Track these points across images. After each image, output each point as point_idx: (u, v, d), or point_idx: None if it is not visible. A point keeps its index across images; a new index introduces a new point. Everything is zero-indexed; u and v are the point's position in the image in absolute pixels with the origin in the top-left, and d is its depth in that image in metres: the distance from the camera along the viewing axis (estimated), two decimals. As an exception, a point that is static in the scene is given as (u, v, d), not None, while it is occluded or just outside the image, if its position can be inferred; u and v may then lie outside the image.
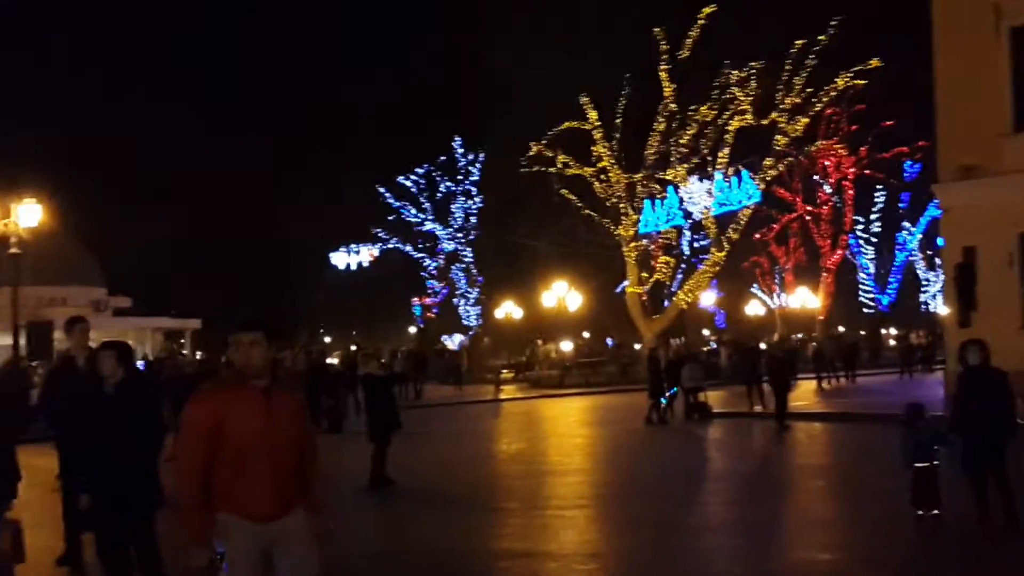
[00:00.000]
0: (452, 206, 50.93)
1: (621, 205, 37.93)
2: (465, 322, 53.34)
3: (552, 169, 37.71)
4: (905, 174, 50.62)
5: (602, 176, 37.97)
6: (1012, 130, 23.39)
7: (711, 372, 29.57)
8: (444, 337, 59.94)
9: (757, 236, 49.73)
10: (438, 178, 50.61)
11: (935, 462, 8.82)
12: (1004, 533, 8.74)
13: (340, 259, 55.47)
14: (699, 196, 35.01)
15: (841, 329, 55.76)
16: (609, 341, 58.31)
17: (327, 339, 75.54)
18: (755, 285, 57.17)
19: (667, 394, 23.17)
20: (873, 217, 53.35)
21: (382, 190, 50.80)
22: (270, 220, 69.15)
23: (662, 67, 35.56)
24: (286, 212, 68.20)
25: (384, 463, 13.97)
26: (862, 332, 57.49)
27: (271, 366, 4.97)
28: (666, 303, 40.67)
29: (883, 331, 58.61)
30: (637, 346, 51.02)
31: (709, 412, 23.46)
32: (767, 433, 20.03)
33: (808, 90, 34.91)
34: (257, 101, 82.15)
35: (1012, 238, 23.22)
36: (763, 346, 30.73)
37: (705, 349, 44.18)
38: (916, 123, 42.29)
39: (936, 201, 45.36)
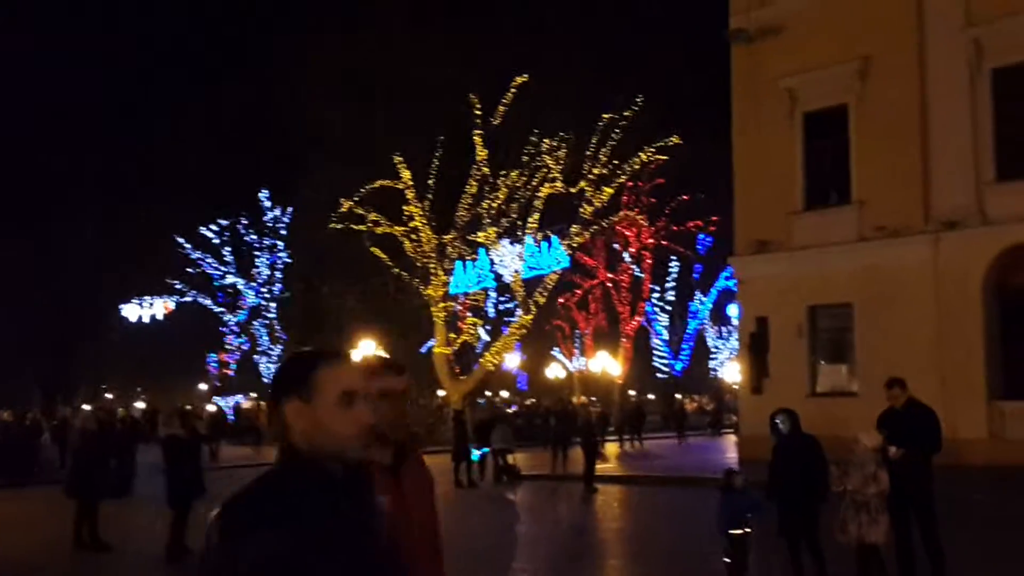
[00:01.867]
0: (257, 260, 49.49)
1: (431, 265, 37.93)
2: (266, 379, 51.62)
3: (362, 227, 37.33)
4: (699, 246, 53.26)
5: (413, 235, 37.90)
6: (802, 208, 25.05)
7: (520, 434, 29.74)
8: (238, 397, 57.85)
9: (561, 301, 50.89)
10: (242, 230, 49.14)
11: (748, 529, 9.03)
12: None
13: (132, 311, 52.70)
14: (509, 259, 35.50)
15: (632, 393, 57.61)
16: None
17: (108, 395, 71.37)
18: (556, 348, 58.37)
19: (478, 454, 23.05)
20: (668, 286, 55.71)
21: (181, 240, 48.82)
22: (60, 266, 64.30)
23: (476, 132, 36.08)
24: (77, 261, 63.90)
25: (184, 531, 13.09)
26: (650, 396, 59.63)
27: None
28: (475, 365, 40.76)
29: (677, 396, 61.07)
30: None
31: (518, 474, 23.50)
32: (576, 496, 20.20)
33: (614, 162, 36.23)
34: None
35: (801, 310, 24.73)
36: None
37: (510, 411, 44.52)
38: (710, 198, 44.90)
39: (727, 272, 47.89)
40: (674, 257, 53.77)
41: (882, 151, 23.47)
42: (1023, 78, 21.50)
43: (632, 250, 52.19)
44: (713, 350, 60.91)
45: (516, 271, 35.80)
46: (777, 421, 9.36)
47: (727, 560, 9.08)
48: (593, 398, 53.19)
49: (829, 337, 24.70)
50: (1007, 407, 21.24)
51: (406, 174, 37.03)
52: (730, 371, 57.50)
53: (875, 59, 23.69)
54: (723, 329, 59.52)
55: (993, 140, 21.96)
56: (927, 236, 22.56)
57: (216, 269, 49.45)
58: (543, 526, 16.88)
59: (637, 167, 37.75)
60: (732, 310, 55.27)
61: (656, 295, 55.24)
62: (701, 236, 52.11)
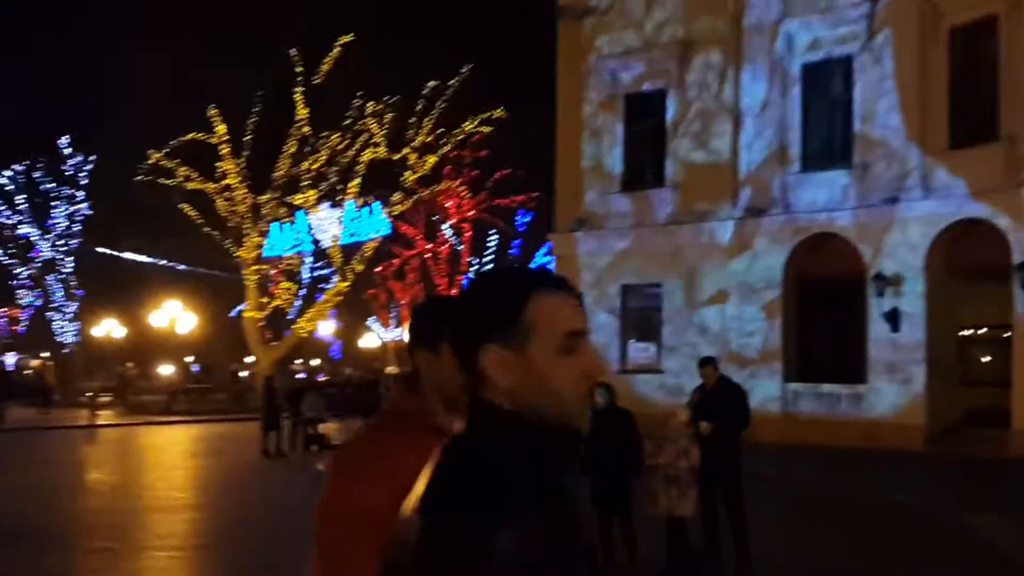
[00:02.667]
0: (53, 210, 46.31)
1: (245, 226, 36.59)
2: (59, 338, 48.64)
3: (171, 181, 35.58)
4: (518, 221, 53.75)
5: (226, 194, 36.43)
6: (620, 188, 25.57)
7: (331, 403, 29.19)
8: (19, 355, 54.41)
9: (378, 269, 50.30)
10: (39, 177, 45.86)
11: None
12: (626, 570, 9.16)
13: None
14: (329, 224, 34.69)
15: None
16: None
17: None
18: (372, 318, 57.76)
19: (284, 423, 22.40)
20: (487, 260, 56.01)
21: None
22: None
23: (297, 89, 34.97)
24: None
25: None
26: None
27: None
28: (287, 332, 39.72)
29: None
30: (244, 373, 49.49)
31: (328, 444, 22.99)
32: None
33: (439, 131, 35.98)
34: None
35: (615, 288, 25.32)
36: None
37: (320, 380, 43.70)
38: (534, 173, 45.37)
39: (545, 249, 48.51)
40: (494, 231, 54.14)
41: (697, 136, 24.20)
42: (829, 73, 22.63)
43: (452, 222, 52.15)
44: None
45: (335, 236, 35.04)
46: (594, 396, 9.40)
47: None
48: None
49: (639, 315, 25.38)
50: (800, 388, 22.43)
51: (221, 128, 35.49)
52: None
53: (694, 46, 24.34)
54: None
55: (800, 132, 23.02)
56: (735, 222, 23.47)
57: (7, 218, 46.00)
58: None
59: (461, 137, 37.65)
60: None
61: (474, 269, 55.47)
62: (521, 211, 52.66)
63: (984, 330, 21.30)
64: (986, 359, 21.19)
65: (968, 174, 19.89)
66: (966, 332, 21.48)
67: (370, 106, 34.86)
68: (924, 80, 20.85)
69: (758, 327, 22.54)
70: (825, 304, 23.17)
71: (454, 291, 53.72)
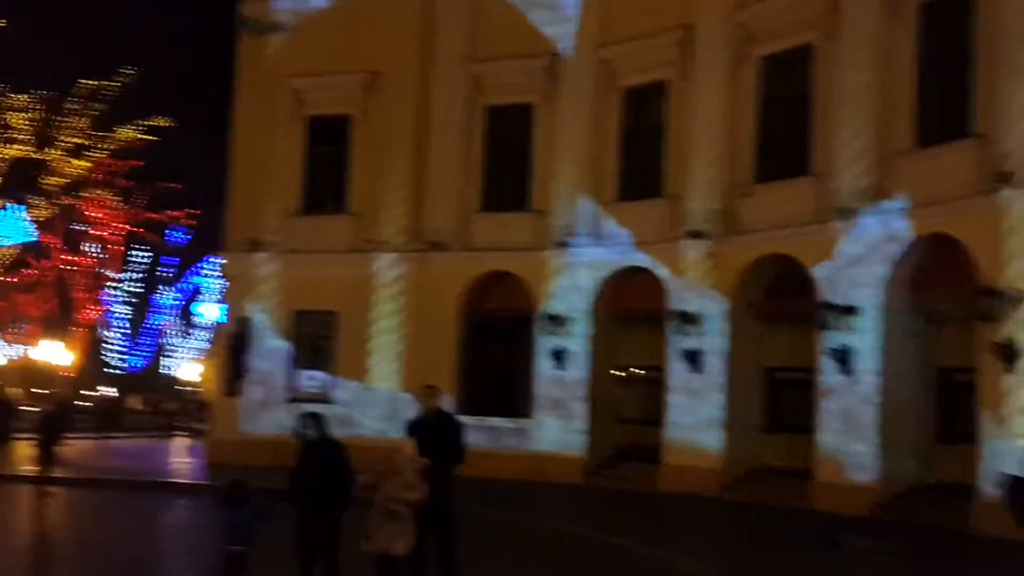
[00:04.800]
0: None
1: None
2: None
3: None
4: (173, 238, 50.86)
5: None
6: (299, 212, 24.79)
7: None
8: None
9: (7, 279, 45.26)
10: None
11: (246, 545, 8.28)
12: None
13: None
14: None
15: (113, 392, 53.03)
16: None
17: None
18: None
19: None
20: (135, 276, 52.44)
21: None
22: None
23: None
24: None
25: None
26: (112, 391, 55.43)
27: None
28: None
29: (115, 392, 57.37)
30: None
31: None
32: (33, 498, 17.49)
33: (95, 134, 33.21)
34: None
35: (288, 313, 24.46)
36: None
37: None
38: (195, 189, 43.06)
39: (201, 268, 46.22)
40: (145, 247, 50.71)
41: (380, 166, 24.07)
42: (512, 119, 23.45)
43: (99, 233, 48.22)
44: (175, 348, 58.44)
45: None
46: (303, 425, 8.78)
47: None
48: (54, 390, 47.99)
49: (312, 343, 24.68)
50: (468, 421, 22.68)
51: None
52: (191, 370, 55.56)
53: (383, 76, 24.24)
54: (189, 327, 57.43)
55: (481, 172, 23.62)
56: (414, 254, 23.55)
57: None
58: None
59: (117, 145, 35.07)
60: (202, 308, 53.56)
61: (120, 285, 51.58)
62: (178, 228, 49.81)
63: (640, 371, 22.83)
64: (639, 398, 22.70)
65: (634, 225, 21.35)
66: (623, 372, 22.90)
67: (17, 98, 31.47)
68: (598, 135, 22.18)
69: (433, 358, 22.63)
70: (496, 340, 23.83)
71: (94, 307, 49.48)
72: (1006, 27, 15.30)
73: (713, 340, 19.88)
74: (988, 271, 15.04)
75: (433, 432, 8.87)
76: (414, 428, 8.96)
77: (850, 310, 17.48)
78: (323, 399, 23.47)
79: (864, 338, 17.41)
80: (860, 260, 17.54)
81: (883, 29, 17.58)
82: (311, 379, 24.45)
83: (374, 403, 23.16)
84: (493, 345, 24.29)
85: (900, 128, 17.26)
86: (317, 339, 24.68)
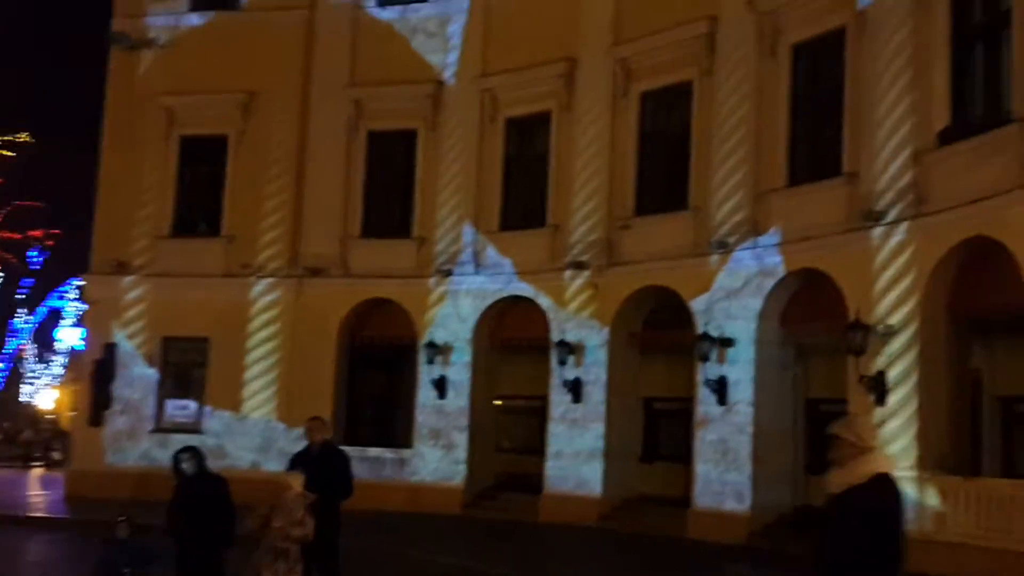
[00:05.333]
0: None
1: None
2: None
3: None
4: (32, 259, 48.58)
5: None
6: (170, 234, 23.92)
7: None
8: None
9: None
10: None
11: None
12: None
13: None
14: None
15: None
16: None
17: None
18: None
19: None
20: (-12, 298, 49.80)
21: None
22: None
23: None
24: None
25: None
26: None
27: None
28: None
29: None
30: None
31: None
32: None
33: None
34: None
35: (155, 339, 23.50)
36: None
37: None
38: (56, 208, 41.22)
39: (61, 291, 44.24)
40: (0, 267, 48.25)
41: (257, 190, 23.43)
42: (394, 144, 23.24)
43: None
44: (31, 374, 55.60)
45: None
46: (181, 460, 8.36)
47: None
48: None
49: (182, 370, 23.78)
50: (348, 452, 22.21)
51: None
52: (48, 398, 52.84)
53: (260, 96, 23.64)
54: (46, 353, 54.77)
55: (362, 197, 23.27)
56: (292, 280, 22.99)
57: None
58: None
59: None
60: (61, 333, 51.11)
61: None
62: (37, 248, 47.59)
63: (522, 400, 22.78)
64: (521, 428, 22.65)
65: (516, 255, 21.35)
66: (503, 401, 22.82)
67: None
68: (482, 163, 22.14)
69: (310, 387, 22.07)
70: (377, 369, 23.43)
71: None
72: (874, 69, 15.96)
73: (593, 370, 20.01)
74: (858, 306, 15.57)
75: (320, 465, 8.58)
76: (299, 461, 8.64)
77: (726, 342, 17.85)
78: (194, 429, 22.64)
79: (739, 369, 17.80)
80: (736, 293, 17.95)
81: (758, 68, 18.14)
82: (181, 408, 23.52)
83: (248, 433, 22.44)
84: (373, 374, 23.87)
85: (774, 165, 17.81)
86: (188, 367, 23.79)
